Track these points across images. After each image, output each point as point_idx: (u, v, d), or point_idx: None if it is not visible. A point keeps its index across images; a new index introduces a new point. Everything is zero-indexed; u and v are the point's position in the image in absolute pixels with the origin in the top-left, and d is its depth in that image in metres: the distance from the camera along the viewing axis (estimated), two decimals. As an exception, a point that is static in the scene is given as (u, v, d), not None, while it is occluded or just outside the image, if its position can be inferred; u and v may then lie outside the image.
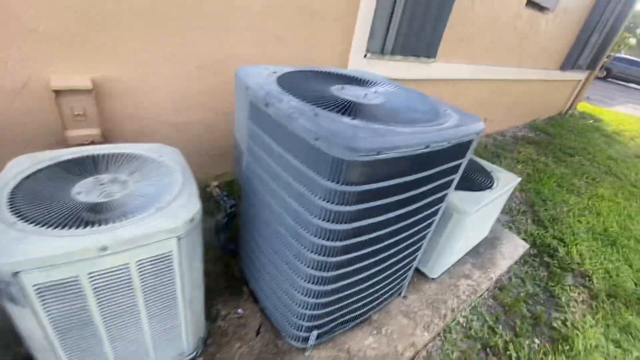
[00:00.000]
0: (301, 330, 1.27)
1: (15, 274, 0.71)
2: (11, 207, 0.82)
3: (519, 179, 2.01)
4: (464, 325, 1.72)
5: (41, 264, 0.72)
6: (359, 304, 1.37)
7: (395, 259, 1.33)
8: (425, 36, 2.63)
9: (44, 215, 0.82)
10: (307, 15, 1.99)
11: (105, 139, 1.55)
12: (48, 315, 0.80)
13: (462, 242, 1.79)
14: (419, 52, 2.70)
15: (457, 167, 1.23)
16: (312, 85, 1.20)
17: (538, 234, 2.60)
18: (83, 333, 0.88)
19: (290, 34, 1.97)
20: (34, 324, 0.79)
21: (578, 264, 2.36)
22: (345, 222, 0.97)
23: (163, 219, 0.87)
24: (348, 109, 1.03)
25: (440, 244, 1.70)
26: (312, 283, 1.11)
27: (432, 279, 1.86)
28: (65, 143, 1.42)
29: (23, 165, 0.96)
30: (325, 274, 1.09)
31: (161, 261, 0.89)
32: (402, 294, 1.71)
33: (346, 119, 0.93)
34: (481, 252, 2.18)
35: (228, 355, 1.30)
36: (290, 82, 1.18)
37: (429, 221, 1.35)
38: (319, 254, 1.03)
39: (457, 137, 1.07)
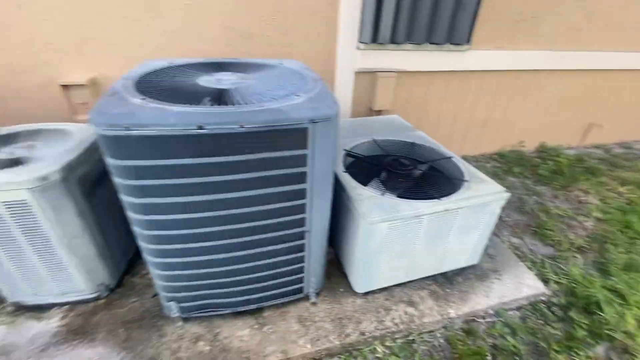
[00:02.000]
0: (166, 301, 1.38)
1: None
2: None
3: (505, 195, 1.52)
4: (376, 355, 1.45)
5: None
6: (232, 289, 1.37)
7: (259, 250, 1.28)
8: (442, 19, 2.24)
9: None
10: (280, 11, 2.04)
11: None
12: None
13: (391, 257, 1.50)
14: (437, 39, 2.32)
15: (293, 159, 1.09)
16: (178, 76, 1.29)
17: (583, 278, 1.85)
18: (-17, 249, 1.26)
19: (260, 31, 2.07)
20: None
21: (626, 333, 1.58)
22: (135, 196, 1.04)
23: (19, 173, 1.16)
24: (170, 93, 1.08)
25: (358, 254, 1.48)
26: (151, 255, 1.21)
27: (360, 294, 1.63)
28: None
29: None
30: (154, 246, 1.18)
31: (19, 206, 1.18)
32: (311, 300, 1.58)
33: (138, 100, 1.00)
34: (457, 282, 1.74)
35: (120, 303, 1.53)
36: (164, 74, 1.31)
37: (286, 218, 1.23)
38: (141, 228, 1.13)
39: (259, 121, 0.97)
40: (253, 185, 1.10)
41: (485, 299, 1.66)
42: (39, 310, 1.49)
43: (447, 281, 1.74)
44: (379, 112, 2.57)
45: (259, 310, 1.53)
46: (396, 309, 1.58)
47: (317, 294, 1.61)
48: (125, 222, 1.19)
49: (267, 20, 2.06)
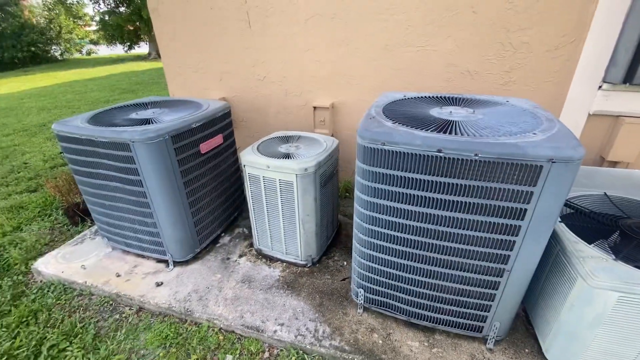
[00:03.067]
0: (356, 286, 1.64)
1: (243, 165, 1.81)
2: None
3: None
4: None
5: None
6: (418, 299, 1.49)
7: (455, 273, 1.35)
8: None
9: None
10: (507, 49, 2.05)
11: (331, 134, 2.62)
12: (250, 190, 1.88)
13: (611, 339, 1.22)
14: None
15: (519, 194, 1.10)
16: (414, 107, 1.54)
17: None
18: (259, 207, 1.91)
19: (482, 68, 2.13)
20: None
21: None
22: (367, 195, 1.33)
23: (293, 164, 1.70)
24: (421, 122, 1.34)
25: (563, 319, 1.30)
26: (360, 244, 1.50)
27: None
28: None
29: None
30: (365, 237, 1.45)
31: (287, 185, 1.73)
32: (488, 344, 1.48)
33: (390, 124, 1.29)
34: None
35: (318, 276, 1.92)
36: (401, 105, 1.60)
37: (492, 251, 1.23)
38: (361, 220, 1.43)
39: (494, 153, 1.06)
40: (473, 210, 1.18)
41: None
42: (270, 259, 2.08)
43: (702, 409, 1.25)
44: (614, 164, 2.11)
45: (431, 330, 1.58)
46: (604, 405, 1.27)
47: (496, 342, 1.50)
48: (331, 216, 1.53)
49: (491, 58, 2.11)
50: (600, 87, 1.96)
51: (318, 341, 1.55)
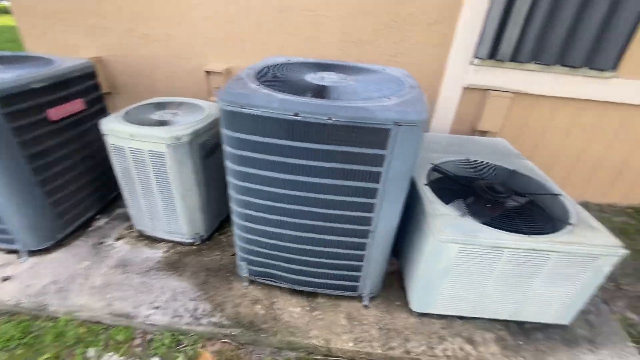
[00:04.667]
0: (239, 260, 1.59)
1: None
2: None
3: (621, 251, 1.25)
4: (418, 379, 1.37)
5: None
6: (298, 266, 1.49)
7: (325, 237, 1.36)
8: (583, 39, 1.94)
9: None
10: (395, 20, 2.09)
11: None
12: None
13: (456, 284, 1.39)
14: (572, 61, 2.02)
15: (371, 157, 1.13)
16: (291, 72, 1.47)
17: None
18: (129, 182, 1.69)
19: (372, 38, 2.16)
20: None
21: None
22: (236, 164, 1.24)
23: (162, 132, 1.51)
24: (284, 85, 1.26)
25: (421, 271, 1.43)
26: (237, 217, 1.43)
27: (416, 313, 1.56)
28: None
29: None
30: (241, 210, 1.38)
31: (158, 156, 1.54)
32: (364, 302, 1.58)
33: (254, 86, 1.19)
34: (535, 338, 1.50)
35: (207, 253, 1.82)
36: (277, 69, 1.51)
37: (354, 213, 1.27)
38: (235, 192, 1.34)
39: (346, 117, 1.05)
40: (332, 174, 1.18)
41: (568, 368, 1.39)
42: (152, 240, 1.89)
43: (521, 332, 1.52)
44: (483, 134, 2.38)
45: (313, 295, 1.62)
46: (451, 342, 1.46)
47: (371, 299, 1.61)
48: (222, 189, 1.43)
49: (381, 31, 2.14)
50: (471, 62, 2.15)
51: (196, 320, 1.47)
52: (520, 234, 1.30)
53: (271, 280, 1.60)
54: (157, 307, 1.51)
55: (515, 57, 2.05)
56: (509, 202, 1.52)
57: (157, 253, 1.81)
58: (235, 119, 1.14)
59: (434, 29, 2.11)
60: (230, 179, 1.31)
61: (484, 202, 1.53)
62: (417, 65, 2.22)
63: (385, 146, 1.11)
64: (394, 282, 1.72)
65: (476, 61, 2.12)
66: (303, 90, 1.20)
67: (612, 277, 1.96)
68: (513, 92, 2.19)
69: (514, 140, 2.34)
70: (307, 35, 2.21)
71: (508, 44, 2.01)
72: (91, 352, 1.38)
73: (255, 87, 1.17)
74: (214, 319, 1.47)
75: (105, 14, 2.31)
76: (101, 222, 2.00)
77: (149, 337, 1.45)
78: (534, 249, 1.27)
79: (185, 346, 1.42)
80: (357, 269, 1.46)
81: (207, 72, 2.34)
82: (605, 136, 2.34)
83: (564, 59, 2.04)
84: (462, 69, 2.17)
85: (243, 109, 1.10)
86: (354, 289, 1.55)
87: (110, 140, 1.58)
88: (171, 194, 1.67)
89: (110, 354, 1.38)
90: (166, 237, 1.87)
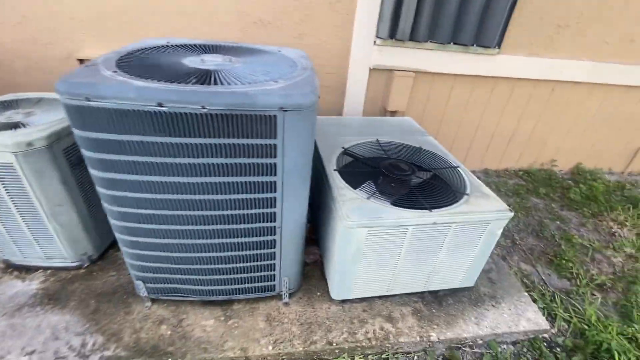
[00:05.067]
0: (135, 279, 1.37)
1: None
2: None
3: (508, 214, 1.36)
4: (342, 368, 1.36)
5: None
6: (201, 277, 1.34)
7: (229, 241, 1.23)
8: (470, 18, 2.07)
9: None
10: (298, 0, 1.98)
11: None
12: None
13: (371, 266, 1.39)
14: (463, 39, 2.14)
15: (262, 148, 1.02)
16: (167, 55, 1.27)
17: (598, 320, 1.62)
18: (-26, 205, 1.32)
19: (274, 18, 2.02)
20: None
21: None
22: (98, 170, 1.02)
23: (7, 137, 1.19)
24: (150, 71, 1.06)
25: (336, 258, 1.39)
26: (118, 232, 1.21)
27: (337, 301, 1.54)
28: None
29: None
30: (119, 223, 1.17)
31: (6, 168, 1.23)
32: (284, 299, 1.51)
33: (108, 73, 0.98)
34: (447, 304, 1.59)
35: (99, 275, 1.56)
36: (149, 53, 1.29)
37: (256, 211, 1.17)
38: (107, 203, 1.12)
39: (222, 104, 0.92)
40: (219, 171, 1.05)
41: (474, 326, 1.50)
42: (25, 270, 1.55)
43: (435, 301, 1.60)
44: (393, 114, 2.44)
45: (229, 302, 1.49)
46: (372, 323, 1.47)
47: (291, 295, 1.54)
48: None
49: (283, 9, 2.01)
50: (375, 42, 2.15)
51: (84, 358, 1.24)
52: (422, 209, 1.33)
53: (177, 295, 1.42)
54: (31, 352, 1.23)
55: (414, 37, 2.11)
56: (413, 179, 1.55)
57: (31, 285, 1.49)
58: (84, 115, 0.92)
59: (337, 8, 2.04)
60: (98, 188, 1.09)
61: (391, 182, 1.55)
62: (324, 46, 2.15)
63: (274, 135, 1.00)
64: (316, 272, 1.67)
65: (378, 41, 2.13)
66: (176, 76, 1.02)
67: (508, 235, 2.19)
68: (415, 71, 2.27)
69: (420, 118, 2.45)
70: (203, 15, 1.98)
71: (405, 23, 2.04)
72: None
73: (109, 75, 0.95)
74: (107, 353, 1.25)
75: None
76: (-52, 257, 1.58)
77: (21, 391, 1.18)
78: (435, 223, 1.31)
79: (71, 392, 1.19)
80: (271, 267, 1.37)
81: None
82: (497, 108, 2.58)
83: (456, 38, 2.16)
84: (366, 50, 2.16)
85: (90, 102, 0.89)
86: (271, 288, 1.45)
87: None
88: (36, 212, 1.36)
89: None
90: (42, 264, 1.54)
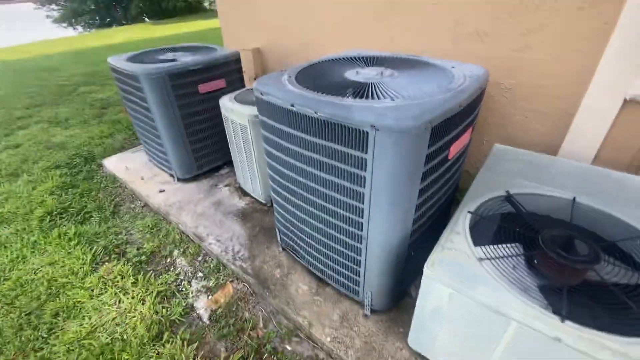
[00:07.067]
0: (276, 228, 1.83)
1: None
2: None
3: None
4: (377, 412, 1.25)
5: (222, 106, 2.07)
6: (312, 250, 1.61)
7: (327, 230, 1.41)
8: None
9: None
10: (528, 3, 1.63)
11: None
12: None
13: (453, 338, 1.12)
14: None
15: (356, 159, 1.07)
16: (334, 68, 1.50)
17: None
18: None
19: (492, 29, 1.76)
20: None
21: None
22: (267, 144, 1.45)
23: (247, 109, 1.90)
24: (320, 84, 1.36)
25: (416, 304, 1.23)
26: (274, 192, 1.66)
27: (414, 350, 1.35)
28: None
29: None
30: (272, 184, 1.61)
31: (243, 128, 1.96)
32: (365, 311, 1.51)
33: (285, 79, 1.35)
34: None
35: (270, 215, 2.17)
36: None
37: (347, 214, 1.24)
38: (271, 172, 1.57)
39: (326, 113, 1.05)
40: (323, 167, 1.21)
41: None
42: (244, 193, 2.41)
43: None
44: (655, 173, 1.56)
45: (325, 282, 1.68)
46: (435, 400, 1.21)
47: (375, 311, 1.51)
48: None
49: (508, 17, 1.72)
50: (645, 62, 1.42)
51: (234, 259, 1.85)
52: (554, 312, 0.91)
53: (294, 254, 1.77)
54: (218, 240, 2.00)
55: None
56: (586, 269, 1.04)
57: (241, 203, 2.32)
58: (262, 105, 1.34)
59: (586, 15, 1.51)
60: (265, 157, 1.54)
61: (548, 261, 1.11)
62: (552, 63, 1.67)
63: (365, 149, 1.03)
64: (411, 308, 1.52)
65: (656, 61, 1.39)
66: (328, 88, 1.24)
67: None
68: None
69: None
70: (418, 27, 2.06)
71: None
72: (175, 252, 2.01)
73: (283, 80, 1.32)
74: (243, 264, 1.81)
75: (266, 15, 2.93)
76: (224, 171, 2.71)
77: (208, 258, 1.96)
78: (558, 339, 0.87)
79: (220, 274, 1.84)
80: (357, 273, 1.42)
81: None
82: None
83: None
84: (626, 72, 1.47)
85: (262, 96, 1.29)
86: (355, 292, 1.50)
87: (222, 111, 2.12)
88: (252, 160, 2.08)
89: (181, 258, 1.97)
90: (251, 193, 2.34)
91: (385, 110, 0.99)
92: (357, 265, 1.39)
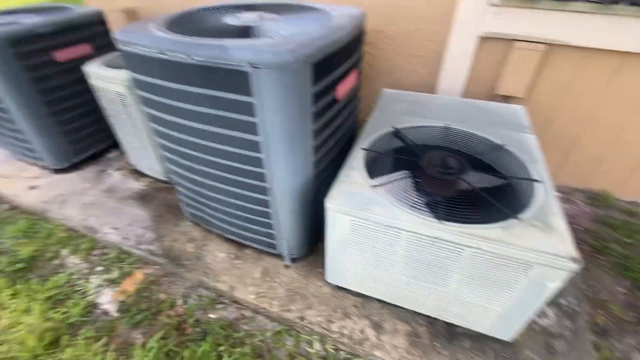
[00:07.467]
0: (180, 201, 1.70)
1: (86, 75, 1.77)
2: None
3: (570, 266, 0.90)
4: (308, 349, 1.32)
5: (90, 74, 1.75)
6: (218, 214, 1.53)
7: (230, 189, 1.35)
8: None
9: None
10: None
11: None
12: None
13: (361, 261, 1.23)
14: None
15: (241, 105, 1.02)
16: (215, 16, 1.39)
17: None
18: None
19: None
20: (100, 104, 1.90)
21: None
22: (142, 104, 1.29)
23: (121, 73, 1.64)
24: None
25: (327, 239, 1.29)
26: (165, 160, 1.51)
27: (332, 285, 1.45)
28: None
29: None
30: (163, 152, 1.45)
31: (120, 96, 1.70)
32: (285, 261, 1.54)
33: (160, 33, 1.18)
34: (459, 345, 1.25)
35: (174, 192, 2.00)
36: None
37: (245, 167, 1.20)
38: (157, 137, 1.41)
39: (202, 55, 0.96)
40: (210, 120, 1.13)
41: (482, 388, 1.14)
42: (140, 175, 2.16)
43: (446, 335, 1.28)
44: (506, 100, 1.88)
45: (244, 246, 1.65)
46: (355, 321, 1.33)
47: (295, 260, 1.56)
48: None
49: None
50: (490, 2, 1.65)
51: (137, 244, 1.68)
52: (433, 217, 1.05)
53: (205, 224, 1.68)
54: (116, 228, 1.77)
55: (552, -7, 1.50)
56: (450, 179, 1.22)
57: (138, 185, 2.08)
58: (129, 59, 1.16)
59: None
60: (150, 124, 1.38)
61: (430, 179, 1.26)
62: (424, 8, 1.82)
63: (249, 92, 0.99)
64: (329, 250, 1.61)
65: (497, 1, 1.63)
66: (204, 32, 1.13)
67: (638, 306, 1.44)
68: (547, 43, 1.63)
69: (552, 112, 1.81)
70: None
71: (540, -27, 1.47)
72: (63, 252, 1.73)
73: (150, 28, 1.16)
74: (150, 247, 1.66)
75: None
76: (112, 154, 2.37)
77: (106, 250, 1.73)
78: (438, 238, 1.02)
79: (123, 263, 1.65)
80: (268, 226, 1.42)
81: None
82: None
83: (632, -7, 1.40)
84: (478, 11, 1.70)
85: (125, 47, 1.11)
86: (272, 246, 1.51)
87: (91, 81, 1.80)
88: (140, 133, 1.84)
89: (73, 257, 1.70)
90: (150, 173, 2.11)
91: (263, 47, 0.95)
92: (268, 218, 1.39)
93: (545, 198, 1.10)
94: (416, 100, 1.75)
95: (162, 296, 1.52)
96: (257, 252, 1.62)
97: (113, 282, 1.59)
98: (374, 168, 1.35)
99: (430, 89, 2.04)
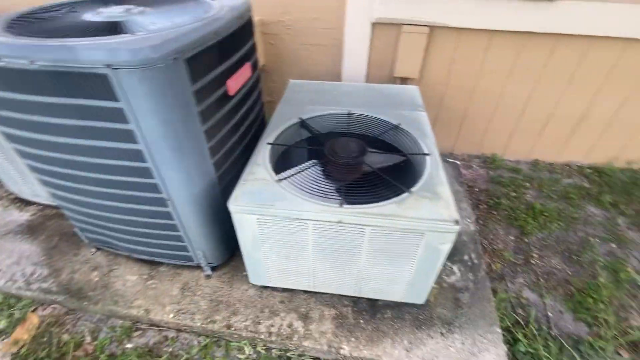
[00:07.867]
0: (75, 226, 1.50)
1: None
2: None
3: (453, 228, 0.99)
4: (239, 355, 1.28)
5: None
6: (123, 235, 1.38)
7: (125, 206, 1.22)
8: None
9: None
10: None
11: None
12: None
13: (276, 257, 1.22)
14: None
15: (109, 111, 0.91)
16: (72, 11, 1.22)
17: None
18: None
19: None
20: None
21: None
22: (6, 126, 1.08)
23: None
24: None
25: (240, 242, 1.25)
26: (43, 184, 1.30)
27: (257, 285, 1.42)
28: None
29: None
30: (40, 176, 1.25)
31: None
32: (205, 272, 1.47)
33: None
34: (382, 317, 1.33)
35: (57, 221, 1.76)
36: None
37: (134, 179, 1.09)
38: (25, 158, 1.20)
39: (48, 59, 0.83)
40: (76, 133, 0.99)
41: (402, 351, 1.22)
42: (25, 203, 1.85)
43: (369, 310, 1.35)
44: (404, 81, 2.01)
45: (157, 263, 1.52)
46: (283, 317, 1.33)
47: (216, 268, 1.49)
48: None
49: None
50: (375, -12, 1.73)
51: (27, 285, 1.44)
52: (335, 203, 1.07)
53: (109, 247, 1.51)
54: (-4, 271, 1.50)
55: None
56: (350, 163, 1.26)
57: (24, 216, 1.78)
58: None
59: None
60: (11, 145, 1.16)
61: (336, 165, 1.29)
62: (316, -3, 1.84)
63: (112, 96, 0.89)
64: (253, 251, 1.57)
65: (380, -14, 1.71)
66: (58, 32, 0.97)
67: (524, 249, 1.68)
68: (430, 26, 1.78)
69: (443, 89, 1.98)
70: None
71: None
72: None
73: (-18, 28, 0.96)
74: (44, 285, 1.44)
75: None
76: (-14, 184, 1.99)
77: (-14, 299, 1.46)
78: (340, 222, 1.05)
79: (13, 309, 1.41)
80: (178, 238, 1.32)
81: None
82: (557, 78, 1.89)
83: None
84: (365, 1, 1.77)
85: (-50, 56, 0.91)
86: (188, 258, 1.42)
87: None
88: (12, 154, 1.57)
89: (-61, 315, 1.40)
90: (36, 199, 1.82)
91: (119, 45, 0.84)
92: (175, 231, 1.29)
93: (429, 169, 1.20)
94: (321, 89, 1.77)
95: (66, 337, 1.33)
96: (174, 267, 1.51)
97: (2, 333, 1.35)
98: (285, 161, 1.34)
99: (336, 76, 2.09)
